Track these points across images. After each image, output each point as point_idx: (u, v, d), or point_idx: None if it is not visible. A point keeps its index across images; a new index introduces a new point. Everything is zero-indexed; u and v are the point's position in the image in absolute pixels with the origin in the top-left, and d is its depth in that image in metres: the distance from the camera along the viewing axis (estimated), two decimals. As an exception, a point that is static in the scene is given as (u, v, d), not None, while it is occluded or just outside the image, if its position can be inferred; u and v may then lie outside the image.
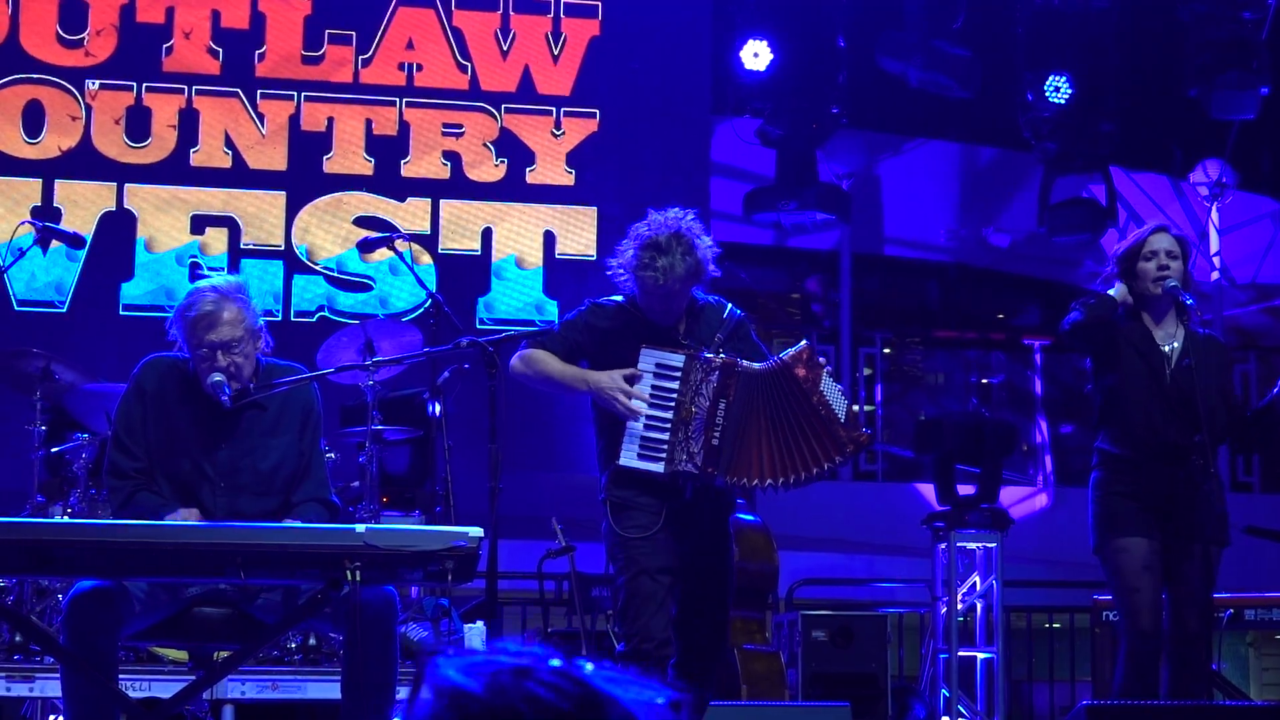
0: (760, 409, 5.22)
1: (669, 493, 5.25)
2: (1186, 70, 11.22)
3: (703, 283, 5.34)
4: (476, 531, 4.22)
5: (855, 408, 5.27)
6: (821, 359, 5.30)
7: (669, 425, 5.18)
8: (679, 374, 5.21)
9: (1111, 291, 5.69)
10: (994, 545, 8.45)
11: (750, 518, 7.97)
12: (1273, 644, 7.53)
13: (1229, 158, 12.98)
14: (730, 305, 5.47)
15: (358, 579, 4.12)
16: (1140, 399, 5.63)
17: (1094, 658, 7.75)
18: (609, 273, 5.36)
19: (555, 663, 1.36)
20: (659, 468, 5.18)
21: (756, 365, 5.27)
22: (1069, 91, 11.35)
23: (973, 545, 8.52)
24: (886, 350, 13.89)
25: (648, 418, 5.18)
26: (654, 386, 5.21)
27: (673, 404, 5.19)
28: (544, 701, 1.32)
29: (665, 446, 5.17)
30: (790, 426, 5.21)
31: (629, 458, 5.18)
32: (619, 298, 5.39)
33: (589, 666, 1.37)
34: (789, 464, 5.23)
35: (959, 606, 8.43)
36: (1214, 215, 13.64)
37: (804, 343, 5.41)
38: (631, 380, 5.22)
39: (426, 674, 1.36)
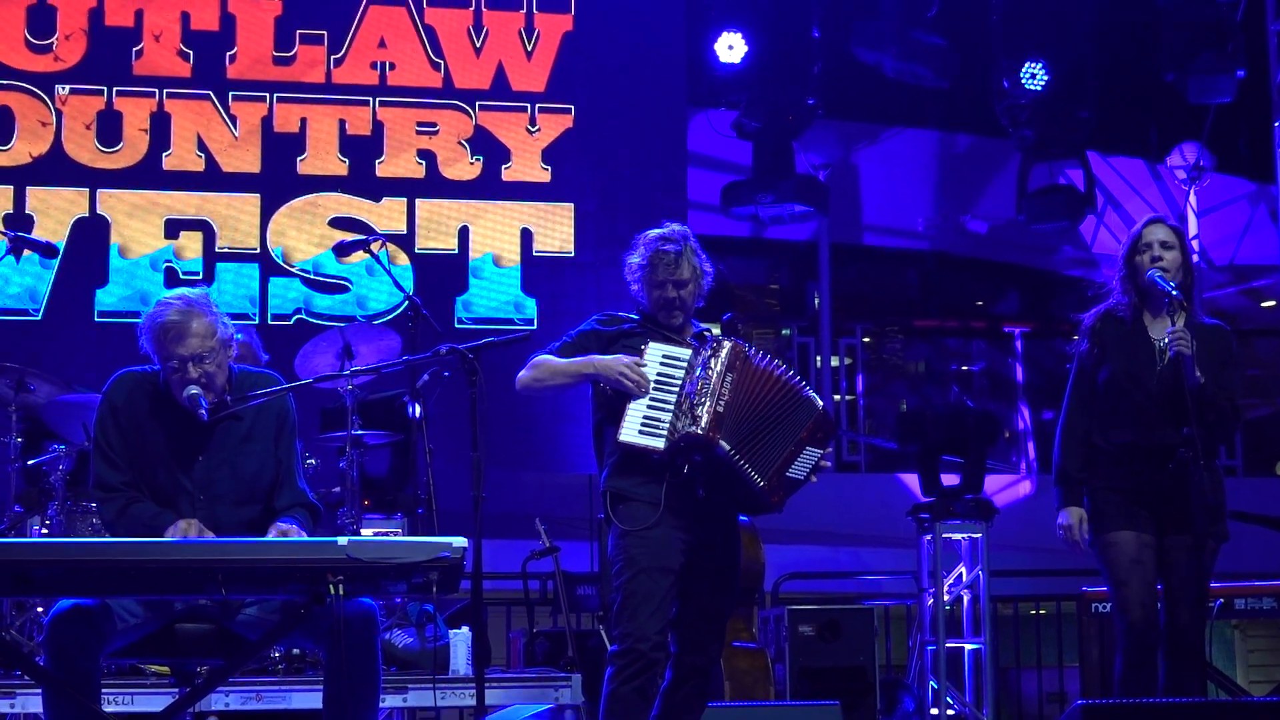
0: (758, 401, 5.24)
1: (670, 484, 5.20)
2: (1163, 55, 11.20)
3: (702, 292, 5.42)
4: (460, 542, 4.17)
5: (791, 476, 5.32)
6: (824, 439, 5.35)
7: (671, 406, 5.20)
8: (684, 366, 5.25)
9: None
10: (979, 536, 8.43)
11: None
12: (1258, 627, 7.54)
13: (1206, 141, 12.97)
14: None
15: (340, 593, 4.06)
16: (1128, 395, 5.61)
17: (1081, 643, 7.73)
18: (627, 277, 5.43)
19: None
20: (659, 443, 5.17)
21: (765, 359, 5.31)
22: (1045, 78, 11.32)
23: (958, 536, 8.50)
24: (866, 340, 13.87)
25: (651, 398, 5.21)
26: (659, 374, 5.25)
27: (676, 388, 5.22)
28: None
29: (666, 425, 5.18)
30: (767, 431, 5.23)
31: (629, 433, 5.18)
32: (631, 314, 5.46)
33: None
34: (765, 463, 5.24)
35: (946, 597, 8.41)
36: (1192, 198, 13.62)
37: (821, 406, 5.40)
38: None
39: None
